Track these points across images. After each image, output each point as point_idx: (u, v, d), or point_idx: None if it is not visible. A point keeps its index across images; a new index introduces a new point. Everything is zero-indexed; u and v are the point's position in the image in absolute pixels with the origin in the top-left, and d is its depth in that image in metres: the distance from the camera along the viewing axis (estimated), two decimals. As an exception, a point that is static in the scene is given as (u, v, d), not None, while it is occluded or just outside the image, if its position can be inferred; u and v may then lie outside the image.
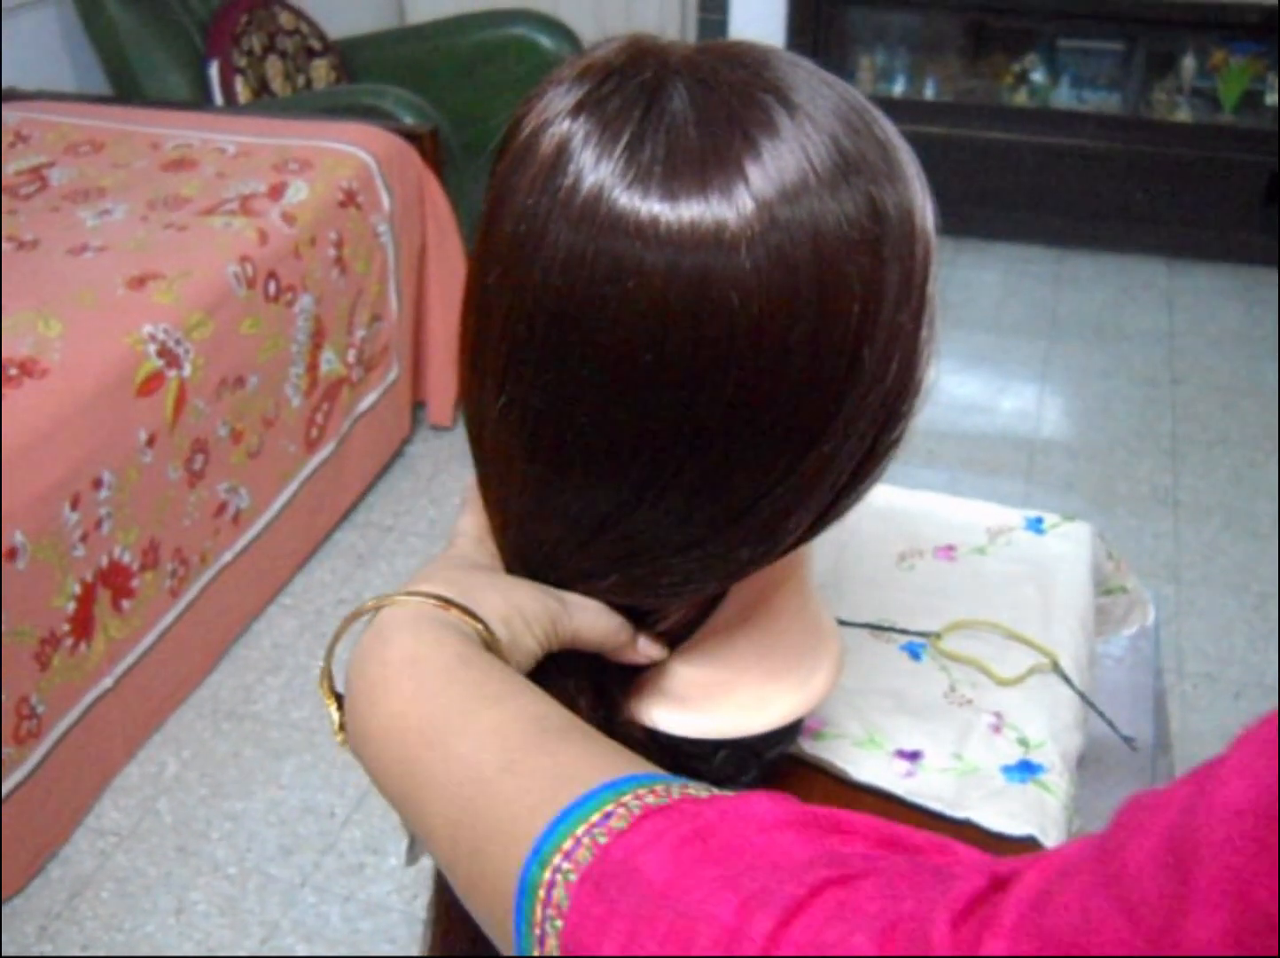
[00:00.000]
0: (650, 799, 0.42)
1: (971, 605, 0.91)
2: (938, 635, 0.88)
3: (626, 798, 0.42)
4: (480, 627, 0.52)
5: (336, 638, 0.55)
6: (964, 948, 0.33)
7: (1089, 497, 2.41)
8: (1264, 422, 2.63)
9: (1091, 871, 0.31)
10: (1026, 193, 3.35)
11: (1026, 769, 0.78)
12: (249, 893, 1.68)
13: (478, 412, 0.54)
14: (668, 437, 0.49)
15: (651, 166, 0.45)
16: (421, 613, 0.52)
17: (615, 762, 0.46)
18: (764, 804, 0.42)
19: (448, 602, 0.52)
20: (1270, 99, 3.24)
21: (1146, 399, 2.73)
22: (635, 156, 0.46)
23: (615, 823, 0.41)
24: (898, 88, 3.47)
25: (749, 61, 0.49)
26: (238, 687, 2.00)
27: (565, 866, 0.41)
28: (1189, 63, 3.26)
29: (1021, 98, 3.40)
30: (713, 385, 0.47)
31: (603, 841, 0.41)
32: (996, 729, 0.81)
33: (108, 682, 1.77)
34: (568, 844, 0.41)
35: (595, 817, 0.42)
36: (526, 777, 0.45)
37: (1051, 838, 0.73)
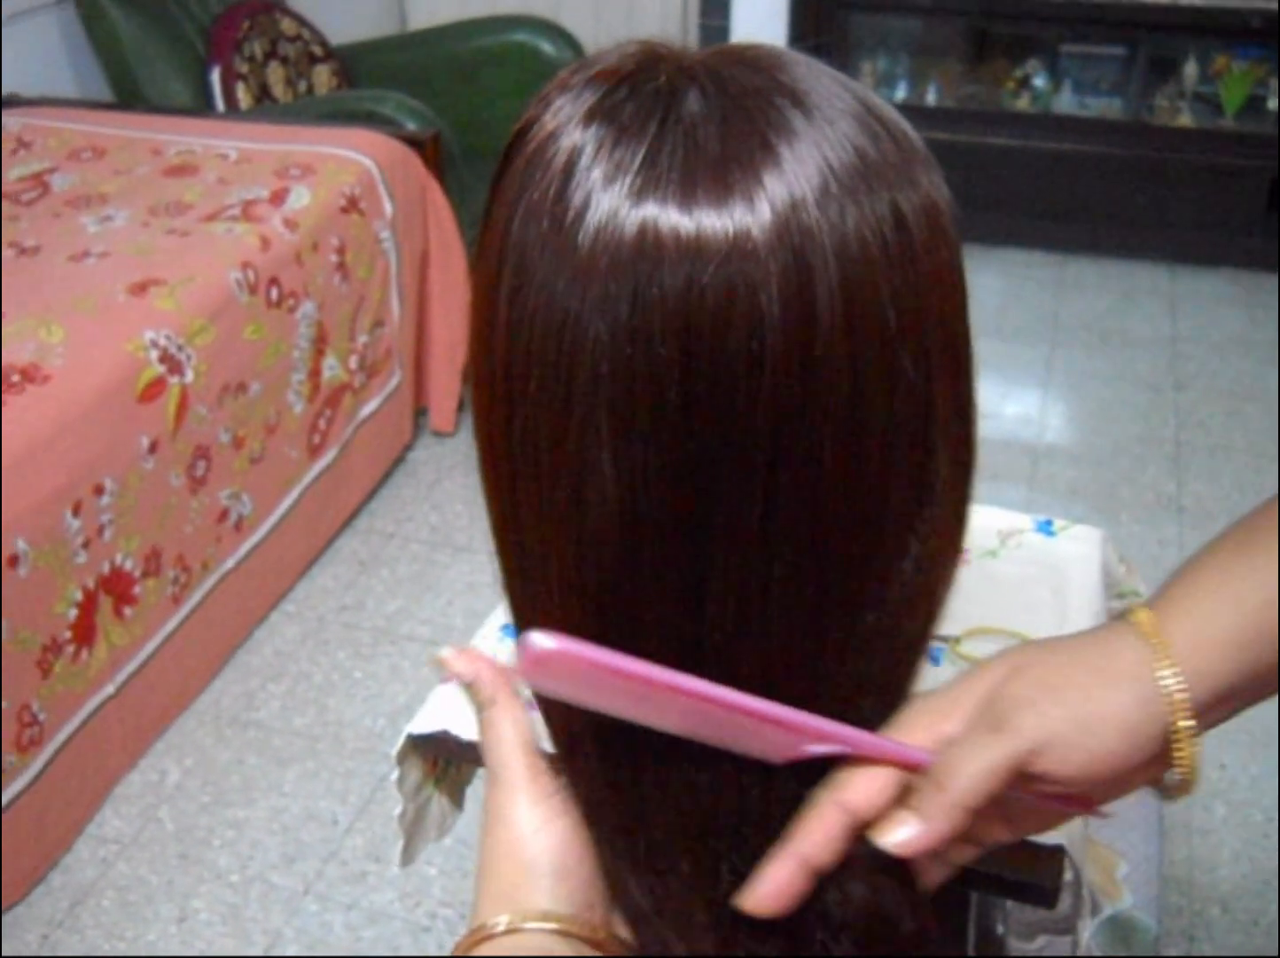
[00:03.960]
0: None
1: (986, 608, 0.91)
2: (957, 639, 0.88)
3: None
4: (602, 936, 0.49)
5: None
6: None
7: (1093, 503, 2.40)
8: (1268, 427, 2.62)
9: None
10: (1029, 198, 3.35)
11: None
12: (251, 901, 1.67)
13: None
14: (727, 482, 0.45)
15: (669, 175, 0.44)
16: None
17: None
18: None
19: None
20: (1272, 104, 3.24)
21: (1150, 405, 2.72)
22: (652, 166, 0.44)
23: None
24: (900, 93, 3.47)
25: (764, 66, 0.47)
26: (240, 694, 1.99)
27: None
28: (1191, 68, 3.26)
29: (1023, 103, 3.40)
30: (746, 399, 0.44)
31: None
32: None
33: (110, 689, 1.76)
34: None
35: None
36: None
37: (1068, 840, 0.72)
